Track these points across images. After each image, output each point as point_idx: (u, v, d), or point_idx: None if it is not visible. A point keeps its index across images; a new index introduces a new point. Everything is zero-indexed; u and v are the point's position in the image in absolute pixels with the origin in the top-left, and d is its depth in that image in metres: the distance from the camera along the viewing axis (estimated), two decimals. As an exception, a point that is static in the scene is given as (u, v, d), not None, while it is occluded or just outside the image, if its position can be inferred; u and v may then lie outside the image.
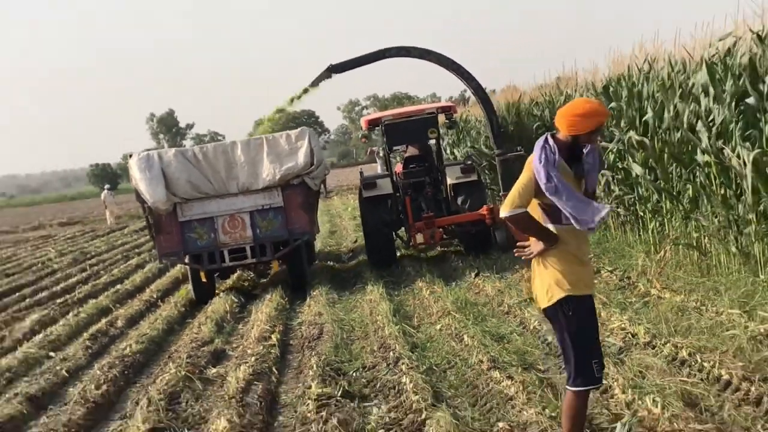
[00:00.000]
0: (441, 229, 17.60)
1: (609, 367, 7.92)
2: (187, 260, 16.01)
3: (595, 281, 12.29)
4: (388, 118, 18.72)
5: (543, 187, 5.68)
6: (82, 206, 77.36)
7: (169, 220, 15.61)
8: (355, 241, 21.00)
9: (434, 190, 18.26)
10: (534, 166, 5.74)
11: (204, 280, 16.22)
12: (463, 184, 17.78)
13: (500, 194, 18.59)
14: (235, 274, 18.10)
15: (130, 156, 15.82)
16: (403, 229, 18.53)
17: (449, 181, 18.02)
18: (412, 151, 19.18)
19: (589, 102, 5.79)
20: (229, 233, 15.70)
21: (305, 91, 18.54)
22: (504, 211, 5.85)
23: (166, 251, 15.90)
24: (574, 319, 5.76)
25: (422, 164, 18.59)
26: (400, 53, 18.06)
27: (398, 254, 18.55)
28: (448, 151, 28.88)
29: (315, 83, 18.24)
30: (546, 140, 5.75)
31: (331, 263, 19.41)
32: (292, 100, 18.85)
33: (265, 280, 17.94)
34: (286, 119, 22.15)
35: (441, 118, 19.08)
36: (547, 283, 5.90)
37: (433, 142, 19.02)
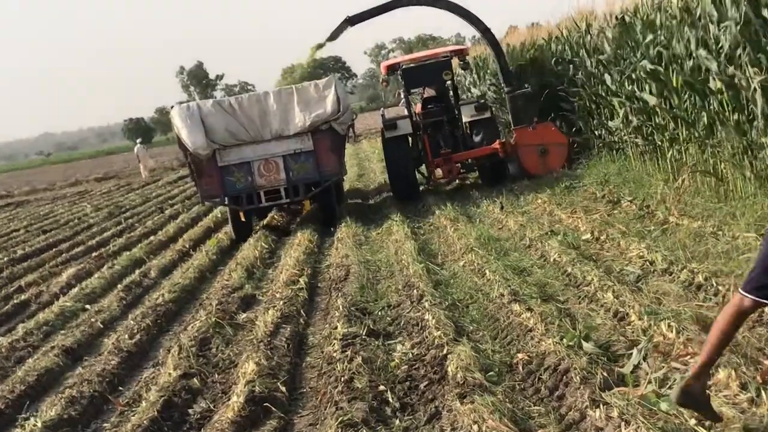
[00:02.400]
0: (458, 164, 18.84)
1: (626, 295, 7.94)
2: (226, 202, 16.96)
3: (615, 211, 12.32)
4: (405, 63, 20.17)
5: None
6: (118, 160, 77.70)
7: (210, 165, 16.64)
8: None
9: (451, 128, 19.22)
10: None
11: (243, 219, 17.11)
12: (478, 121, 18.93)
13: (511, 128, 19.38)
14: (271, 214, 18.98)
15: (172, 107, 16.97)
16: (423, 165, 19.62)
17: (464, 118, 19.10)
18: (429, 92, 20.43)
19: None
20: (264, 176, 16.64)
21: (320, 46, 19.92)
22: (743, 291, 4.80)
23: (207, 194, 17.13)
24: None
25: (439, 104, 19.69)
26: (412, 2, 19.48)
27: (420, 189, 19.31)
28: (471, 91, 28.81)
29: (333, 36, 19.36)
30: None
31: (360, 201, 20.34)
32: (313, 51, 20.28)
33: (298, 218, 18.58)
34: (313, 65, 22.81)
35: (455, 60, 20.35)
36: None
37: (449, 83, 20.04)
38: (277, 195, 16.80)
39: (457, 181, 20.15)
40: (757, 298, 4.74)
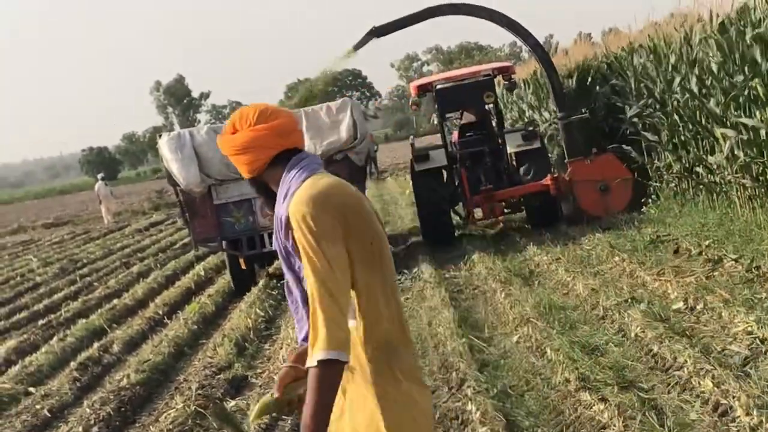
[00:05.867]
0: (502, 203, 19.37)
1: (730, 382, 7.88)
2: (224, 246, 17.59)
3: (716, 273, 12.25)
4: (439, 83, 20.80)
5: None
6: (73, 201, 78.25)
7: (204, 204, 17.37)
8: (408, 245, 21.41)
9: (494, 160, 19.71)
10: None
11: (243, 267, 17.66)
12: (525, 153, 19.60)
13: (565, 161, 19.81)
14: (277, 261, 19.11)
15: (159, 136, 17.76)
16: (460, 204, 20.15)
17: (510, 149, 19.78)
18: (468, 117, 21.05)
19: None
20: (268, 216, 16.78)
21: (344, 57, 20.50)
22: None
23: (201, 237, 17.74)
24: None
25: (480, 132, 20.27)
26: (448, 11, 20.14)
27: (457, 233, 20.01)
28: (527, 114, 28.99)
29: (356, 48, 19.89)
30: None
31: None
32: (334, 65, 21.40)
33: None
34: (325, 81, 23.29)
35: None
36: None
37: (491, 107, 20.61)
38: None
39: (501, 224, 20.79)
40: None
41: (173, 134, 17.58)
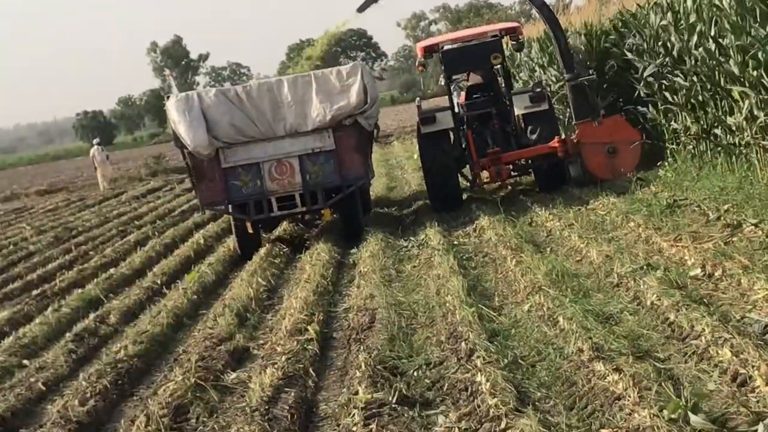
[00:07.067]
0: (509, 165, 19.71)
1: (749, 351, 7.87)
2: (231, 210, 18.10)
3: (735, 238, 12.24)
4: (445, 44, 21.21)
5: None
6: (68, 167, 78.38)
7: (211, 167, 17.80)
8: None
9: (501, 122, 20.20)
10: None
11: (250, 231, 18.15)
12: (533, 114, 19.90)
13: (572, 123, 20.34)
14: (283, 225, 20.29)
15: (167, 98, 18.23)
16: (468, 167, 20.46)
17: (517, 111, 20.11)
18: (474, 79, 21.51)
19: None
20: (276, 180, 17.82)
21: (346, 21, 21.85)
22: None
23: (208, 200, 18.25)
24: None
25: (487, 94, 20.79)
26: None
27: (464, 196, 20.46)
28: (537, 74, 28.97)
29: (360, 10, 20.51)
30: None
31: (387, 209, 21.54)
32: (333, 34, 21.55)
33: (315, 230, 19.78)
34: (330, 42, 23.65)
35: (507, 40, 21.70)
36: None
37: (498, 68, 21.23)
38: (291, 202, 17.95)
39: (509, 187, 21.31)
40: None
41: (181, 96, 17.95)
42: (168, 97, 18.21)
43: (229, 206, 18.12)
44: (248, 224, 18.09)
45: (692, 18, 17.26)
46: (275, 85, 17.78)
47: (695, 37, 17.01)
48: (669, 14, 18.68)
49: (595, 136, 19.00)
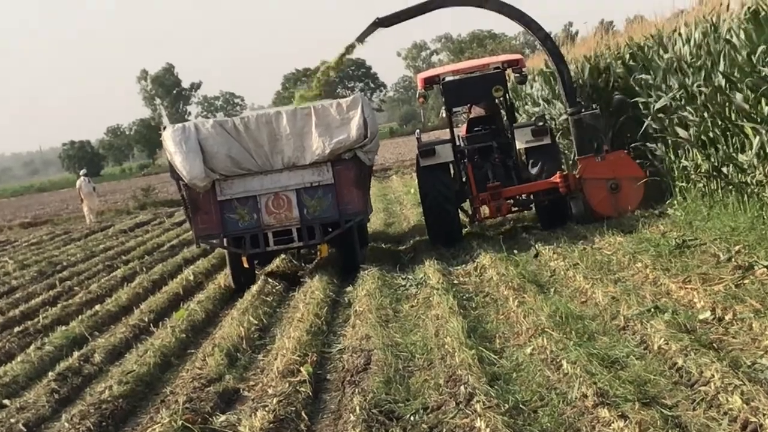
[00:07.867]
0: (509, 200, 19.93)
1: (760, 398, 7.86)
2: (226, 243, 18.39)
3: (746, 281, 12.24)
4: (446, 75, 21.33)
5: None
6: (53, 199, 78.31)
7: (207, 199, 18.08)
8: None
9: (502, 156, 20.40)
10: None
11: (245, 265, 18.50)
12: (535, 149, 20.10)
13: (575, 158, 20.58)
14: (278, 259, 20.42)
15: (164, 128, 18.58)
16: (468, 202, 20.66)
17: (519, 145, 20.31)
18: (476, 111, 21.87)
19: None
20: (273, 213, 18.10)
21: (349, 49, 21.01)
22: None
23: (203, 233, 18.43)
24: None
25: (488, 127, 21.11)
26: (455, 2, 21.22)
27: (464, 232, 20.70)
28: (541, 106, 29.08)
29: (360, 39, 20.71)
30: None
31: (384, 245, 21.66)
32: (335, 63, 21.63)
33: (310, 266, 19.85)
34: (329, 75, 23.73)
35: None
36: None
37: (500, 101, 21.38)
38: (288, 237, 18.19)
39: (511, 222, 21.62)
40: None
41: (178, 126, 18.20)
42: (164, 128, 18.41)
43: (225, 239, 18.37)
44: (243, 258, 18.34)
45: (702, 52, 17.33)
46: (274, 117, 18.00)
47: (704, 72, 17.06)
48: (678, 48, 18.75)
49: (597, 172, 19.20)
